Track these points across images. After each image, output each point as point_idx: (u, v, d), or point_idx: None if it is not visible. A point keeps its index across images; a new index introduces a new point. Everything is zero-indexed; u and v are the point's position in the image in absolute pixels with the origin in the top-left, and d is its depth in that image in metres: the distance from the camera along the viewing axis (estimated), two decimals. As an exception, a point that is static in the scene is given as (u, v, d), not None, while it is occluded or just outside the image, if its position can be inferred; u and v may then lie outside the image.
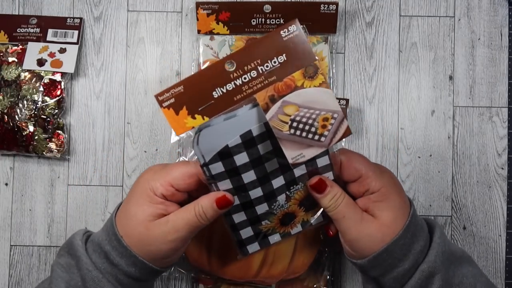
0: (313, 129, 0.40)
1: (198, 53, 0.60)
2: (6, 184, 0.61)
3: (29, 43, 0.60)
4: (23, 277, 0.60)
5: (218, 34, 0.60)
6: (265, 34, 0.49)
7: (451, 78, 0.61)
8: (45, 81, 0.59)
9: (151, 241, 0.42)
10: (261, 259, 0.52)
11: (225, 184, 0.42)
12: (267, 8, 0.59)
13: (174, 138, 0.60)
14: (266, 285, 0.55)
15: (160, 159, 0.61)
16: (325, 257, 0.57)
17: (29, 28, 0.60)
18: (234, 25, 0.60)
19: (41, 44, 0.60)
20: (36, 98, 0.59)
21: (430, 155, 0.61)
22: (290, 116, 0.40)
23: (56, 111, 0.59)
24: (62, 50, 0.60)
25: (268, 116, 0.40)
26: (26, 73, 0.59)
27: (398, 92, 0.61)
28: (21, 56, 0.59)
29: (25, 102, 0.59)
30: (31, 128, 0.59)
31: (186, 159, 0.59)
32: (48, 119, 0.59)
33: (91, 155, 0.61)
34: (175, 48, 0.61)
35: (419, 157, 0.61)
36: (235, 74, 0.40)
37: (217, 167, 0.42)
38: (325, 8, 0.59)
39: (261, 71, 0.40)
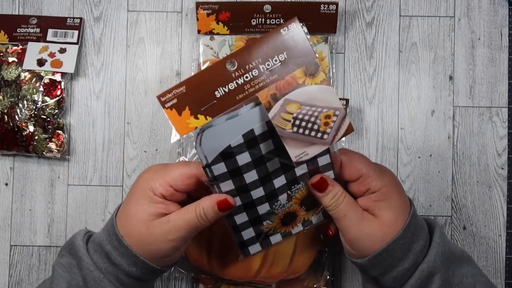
0: (315, 127, 0.40)
1: (198, 53, 0.60)
2: (6, 184, 0.61)
3: (29, 43, 0.60)
4: (23, 277, 0.60)
5: (218, 34, 0.60)
6: (265, 33, 0.49)
7: (451, 78, 0.61)
8: (45, 81, 0.59)
9: (152, 240, 0.42)
10: (261, 259, 0.52)
11: (227, 185, 0.42)
12: (267, 8, 0.59)
13: (174, 138, 0.60)
14: (266, 285, 0.55)
15: (160, 159, 0.61)
16: (325, 257, 0.57)
17: (29, 28, 0.60)
18: (234, 25, 0.60)
19: (41, 44, 0.60)
20: (36, 98, 0.59)
21: (430, 155, 0.61)
22: (292, 114, 0.40)
23: (56, 111, 0.59)
24: (62, 50, 0.60)
25: (270, 114, 0.40)
26: (26, 73, 0.59)
27: (398, 92, 0.61)
28: (21, 56, 0.59)
29: (25, 102, 0.59)
30: (31, 128, 0.59)
31: (186, 159, 0.59)
32: (48, 119, 0.59)
33: (91, 155, 0.61)
34: (175, 48, 0.61)
35: (419, 157, 0.61)
36: (236, 74, 0.40)
37: (220, 168, 0.41)
38: (325, 8, 0.59)
39: (262, 70, 0.40)
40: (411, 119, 0.61)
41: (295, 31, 0.40)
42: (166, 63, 0.61)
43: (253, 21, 0.60)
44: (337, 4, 0.59)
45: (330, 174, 0.44)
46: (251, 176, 0.42)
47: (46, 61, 0.59)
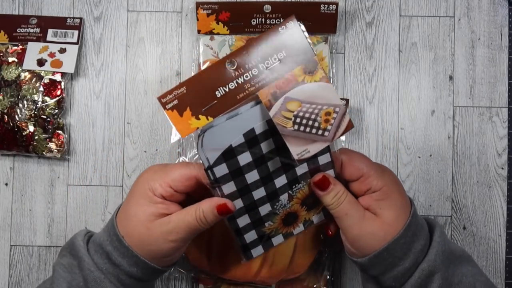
0: (316, 124, 0.40)
1: (198, 53, 0.60)
2: (6, 184, 0.61)
3: (29, 43, 0.60)
4: (23, 277, 0.60)
5: (218, 34, 0.60)
6: (264, 31, 0.49)
7: (451, 78, 0.61)
8: (45, 81, 0.59)
9: (152, 241, 0.42)
10: (261, 259, 0.52)
11: (229, 187, 0.42)
12: (267, 8, 0.60)
13: (174, 138, 0.61)
14: (266, 285, 0.55)
15: (160, 159, 0.61)
16: (325, 257, 0.57)
17: (29, 28, 0.60)
18: (234, 25, 0.60)
19: (41, 44, 0.60)
20: (36, 98, 0.59)
21: (430, 155, 0.61)
22: (293, 112, 0.40)
23: (56, 111, 0.59)
24: (62, 50, 0.60)
25: (271, 113, 0.40)
26: (26, 73, 0.59)
27: (398, 92, 0.61)
28: (21, 56, 0.59)
29: (25, 102, 0.59)
30: (31, 128, 0.59)
31: (186, 159, 0.59)
32: (48, 119, 0.59)
33: (91, 155, 0.61)
34: (175, 48, 0.61)
35: (419, 157, 0.61)
36: (236, 73, 0.40)
37: (222, 169, 0.41)
38: (325, 8, 0.59)
39: (261, 69, 0.40)
40: (411, 119, 0.61)
41: (293, 29, 0.40)
42: (166, 63, 0.61)
43: (253, 21, 0.60)
44: (337, 4, 0.59)
45: (330, 173, 0.44)
46: (252, 176, 0.42)
47: (46, 61, 0.59)
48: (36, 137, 0.59)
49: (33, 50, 0.59)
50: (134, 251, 0.42)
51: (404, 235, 0.42)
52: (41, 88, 0.59)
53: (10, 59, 0.59)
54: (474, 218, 0.61)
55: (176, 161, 0.60)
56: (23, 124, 0.58)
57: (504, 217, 0.60)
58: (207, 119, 0.40)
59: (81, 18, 0.61)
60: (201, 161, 0.42)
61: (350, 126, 0.41)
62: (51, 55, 0.59)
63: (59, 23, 0.60)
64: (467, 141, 0.61)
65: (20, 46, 0.60)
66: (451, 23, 0.61)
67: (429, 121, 0.61)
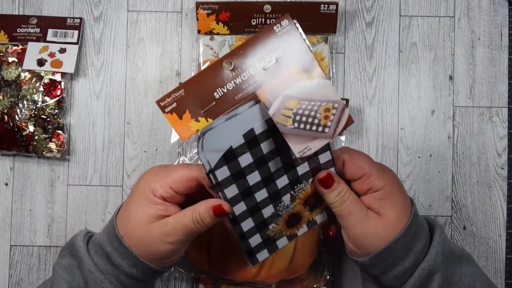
0: (316, 121, 0.40)
1: (198, 53, 0.60)
2: (6, 184, 0.61)
3: (29, 43, 0.60)
4: (23, 277, 0.60)
5: (218, 34, 0.60)
6: (259, 31, 0.49)
7: (451, 78, 0.61)
8: (45, 81, 0.59)
9: (150, 242, 0.42)
10: (261, 259, 0.52)
11: (231, 190, 0.42)
12: (267, 8, 0.59)
13: (174, 138, 0.61)
14: (266, 285, 0.55)
15: (160, 159, 0.61)
16: (325, 257, 0.57)
17: (29, 28, 0.60)
18: (234, 25, 0.60)
19: (41, 44, 0.60)
20: (36, 98, 0.59)
21: (430, 155, 0.61)
22: (292, 110, 0.40)
23: (56, 111, 0.59)
24: (62, 50, 0.60)
25: (271, 112, 0.40)
26: (26, 73, 0.59)
27: (398, 92, 0.61)
28: (21, 56, 0.59)
29: (25, 102, 0.59)
30: (31, 128, 0.59)
31: (186, 159, 0.59)
32: (48, 119, 0.59)
33: (91, 155, 0.61)
34: (175, 48, 0.61)
35: (419, 157, 0.61)
36: (234, 73, 0.40)
37: (223, 172, 0.41)
38: (325, 8, 0.59)
39: (259, 68, 0.40)
40: (411, 119, 0.61)
41: (288, 28, 0.40)
42: (166, 63, 0.61)
43: (253, 21, 0.60)
44: (337, 4, 0.59)
45: (332, 170, 0.44)
46: (253, 177, 0.42)
47: (46, 61, 0.59)
48: (36, 137, 0.59)
49: (33, 50, 0.59)
50: (133, 252, 0.42)
51: (405, 235, 0.42)
52: (41, 88, 0.59)
53: (10, 59, 0.59)
54: (474, 218, 0.61)
55: (176, 161, 0.60)
56: (23, 124, 0.59)
57: (504, 217, 0.60)
58: (207, 120, 0.40)
59: (81, 18, 0.61)
60: (201, 163, 0.42)
61: (349, 121, 0.41)
62: (51, 55, 0.59)
63: (59, 23, 0.60)
64: (467, 141, 0.61)
65: (20, 46, 0.60)
66: (451, 23, 0.61)
67: (429, 121, 0.61)
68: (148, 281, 0.45)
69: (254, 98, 0.41)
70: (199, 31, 0.60)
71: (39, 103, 0.59)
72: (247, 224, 0.44)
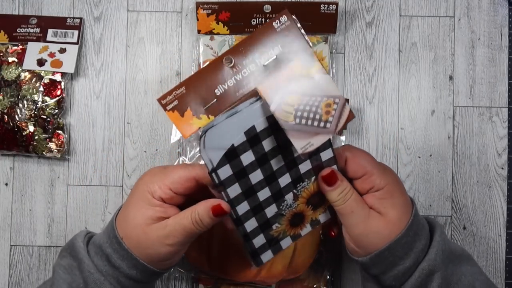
0: (317, 117, 0.40)
1: (198, 53, 0.60)
2: (6, 184, 0.61)
3: (29, 43, 0.60)
4: (23, 277, 0.60)
5: (218, 34, 0.60)
6: (258, 27, 0.48)
7: (451, 78, 0.61)
8: (45, 81, 0.59)
9: (149, 244, 0.42)
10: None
11: (234, 190, 0.42)
12: (267, 8, 0.60)
13: (174, 138, 0.61)
14: (266, 285, 0.55)
15: (160, 159, 0.61)
16: (325, 257, 0.57)
17: (29, 28, 0.60)
18: (234, 25, 0.60)
19: (41, 44, 0.60)
20: (36, 98, 0.59)
21: (430, 155, 0.61)
22: (293, 106, 0.40)
23: (56, 111, 0.59)
24: (62, 50, 0.60)
25: (272, 108, 0.40)
26: (26, 73, 0.59)
27: (398, 92, 0.61)
28: (21, 56, 0.59)
29: (25, 102, 0.59)
30: (31, 128, 0.59)
31: (186, 159, 0.59)
32: (48, 119, 0.59)
33: (91, 155, 0.61)
34: (175, 48, 0.61)
35: (419, 157, 0.61)
36: (234, 70, 0.40)
37: (225, 171, 0.41)
38: (325, 8, 0.59)
39: (259, 64, 0.40)
40: (411, 119, 0.61)
41: (287, 24, 0.40)
42: (166, 63, 0.61)
43: (253, 21, 0.60)
44: (337, 4, 0.59)
45: (334, 168, 0.44)
46: (256, 176, 0.42)
47: (46, 61, 0.59)
48: (36, 137, 0.59)
49: (33, 50, 0.59)
50: (133, 254, 0.42)
51: (406, 235, 0.42)
52: (41, 88, 0.59)
53: (10, 59, 0.59)
54: (474, 218, 0.61)
55: (176, 161, 0.60)
56: (23, 124, 0.59)
57: (504, 217, 0.60)
58: (208, 118, 0.40)
59: (81, 18, 0.61)
60: (203, 162, 0.41)
61: (351, 116, 0.41)
62: (51, 55, 0.59)
63: (59, 23, 0.60)
64: (467, 141, 0.61)
65: (20, 46, 0.60)
66: (451, 23, 0.61)
67: (429, 121, 0.61)
68: (148, 282, 0.45)
69: (255, 95, 0.40)
70: (199, 31, 0.60)
71: (39, 103, 0.59)
72: (251, 224, 0.44)
